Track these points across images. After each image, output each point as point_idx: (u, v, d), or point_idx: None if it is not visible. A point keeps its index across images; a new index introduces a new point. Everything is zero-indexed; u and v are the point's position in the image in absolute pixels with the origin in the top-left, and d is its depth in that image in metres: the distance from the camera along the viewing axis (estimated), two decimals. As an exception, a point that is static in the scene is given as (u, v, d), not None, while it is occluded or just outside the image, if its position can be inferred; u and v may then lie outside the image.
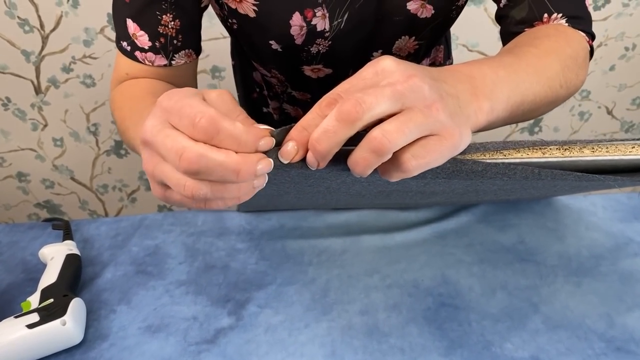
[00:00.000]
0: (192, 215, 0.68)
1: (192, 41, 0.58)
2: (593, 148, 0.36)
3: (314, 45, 0.60)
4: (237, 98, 0.79)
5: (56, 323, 0.48)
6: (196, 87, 0.64)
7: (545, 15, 0.51)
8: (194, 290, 0.57)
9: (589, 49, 0.52)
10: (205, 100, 0.32)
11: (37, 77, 1.39)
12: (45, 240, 0.65)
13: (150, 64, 0.56)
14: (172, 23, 0.55)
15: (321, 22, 0.57)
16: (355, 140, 0.30)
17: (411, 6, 0.57)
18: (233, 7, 0.57)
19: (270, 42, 0.59)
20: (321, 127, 0.30)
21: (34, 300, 0.51)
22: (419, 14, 0.58)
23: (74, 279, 0.56)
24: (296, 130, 0.31)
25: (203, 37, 0.62)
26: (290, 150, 0.31)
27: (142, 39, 0.55)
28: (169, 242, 0.64)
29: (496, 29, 0.57)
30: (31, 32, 1.31)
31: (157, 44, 0.55)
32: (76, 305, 0.50)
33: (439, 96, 0.31)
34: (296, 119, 0.79)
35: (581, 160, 0.37)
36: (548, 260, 0.59)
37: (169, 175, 0.31)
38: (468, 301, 0.54)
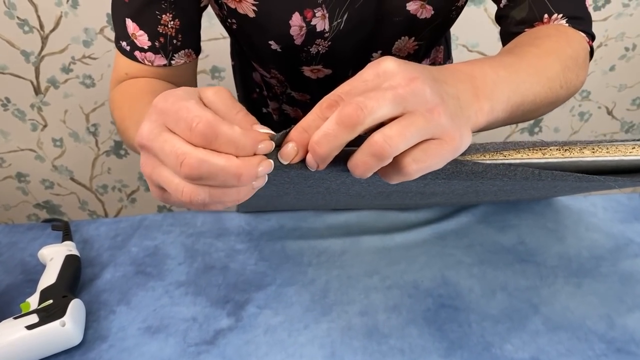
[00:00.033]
0: (191, 216, 0.68)
1: (191, 41, 0.58)
2: (593, 149, 0.36)
3: (314, 45, 0.60)
4: (236, 98, 0.78)
5: (55, 324, 0.47)
6: (195, 87, 0.64)
7: (546, 15, 0.51)
8: (193, 291, 0.57)
9: (589, 49, 0.52)
10: (202, 99, 0.32)
11: (37, 77, 1.39)
12: (45, 241, 0.65)
13: (150, 63, 0.56)
14: (172, 23, 0.54)
15: (321, 22, 0.57)
16: (355, 141, 0.30)
17: (411, 7, 0.57)
18: (232, 6, 0.57)
19: (270, 42, 0.59)
20: (322, 130, 0.30)
21: (33, 301, 0.51)
22: (418, 15, 0.58)
23: (74, 279, 0.56)
24: (296, 132, 0.31)
25: (203, 37, 0.62)
26: (290, 152, 0.31)
27: (142, 38, 0.55)
28: (169, 242, 0.64)
29: (496, 29, 0.57)
30: (31, 33, 1.31)
31: (156, 43, 0.55)
32: (75, 306, 0.50)
33: (440, 99, 0.30)
34: (295, 120, 0.79)
35: (582, 161, 0.37)
36: (548, 261, 0.59)
37: (167, 179, 0.31)
38: (468, 302, 0.54)
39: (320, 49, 0.60)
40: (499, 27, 0.57)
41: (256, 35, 0.60)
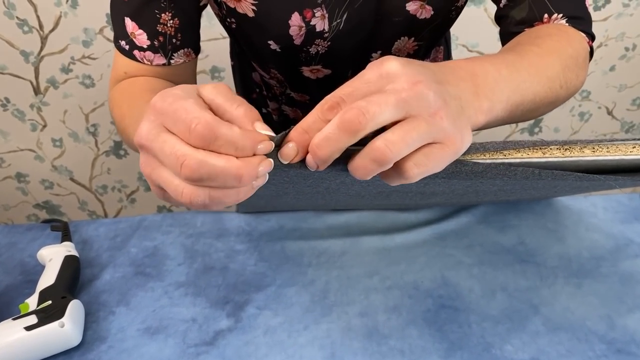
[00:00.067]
0: (191, 217, 0.68)
1: (191, 40, 0.58)
2: (594, 148, 0.36)
3: (313, 45, 0.59)
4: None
5: (54, 325, 0.47)
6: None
7: (546, 15, 0.51)
8: (192, 292, 0.57)
9: (589, 49, 0.52)
10: (202, 95, 0.32)
11: (36, 77, 1.39)
12: (44, 242, 0.65)
13: (149, 63, 0.56)
14: (171, 22, 0.54)
15: (320, 22, 0.57)
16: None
17: (410, 7, 0.57)
18: (232, 6, 0.56)
19: (269, 42, 0.59)
20: (323, 133, 0.30)
21: (32, 302, 0.51)
22: (418, 15, 0.58)
23: (73, 280, 0.55)
24: (297, 132, 0.31)
25: (202, 37, 0.61)
26: (290, 152, 0.31)
27: (141, 37, 0.54)
28: (168, 243, 0.64)
29: (496, 29, 0.57)
30: (30, 33, 1.30)
31: (155, 42, 0.55)
32: (74, 307, 0.50)
33: (443, 102, 0.30)
34: (295, 121, 0.79)
35: (582, 161, 0.36)
36: (548, 262, 0.59)
37: (167, 180, 0.31)
38: (468, 303, 0.54)
39: (319, 49, 0.60)
40: (499, 27, 0.57)
41: (255, 35, 0.60)
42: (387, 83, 0.30)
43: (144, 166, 0.32)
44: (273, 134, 0.31)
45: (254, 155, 0.30)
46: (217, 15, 0.63)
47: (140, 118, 0.32)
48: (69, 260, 0.56)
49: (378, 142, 0.29)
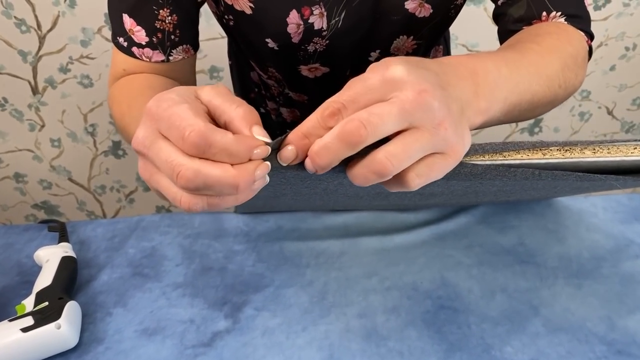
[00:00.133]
0: (189, 217, 0.68)
1: (189, 36, 0.58)
2: (594, 149, 0.36)
3: (311, 43, 0.59)
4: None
5: (51, 327, 0.47)
6: (194, 82, 0.63)
7: (544, 13, 0.51)
8: (190, 293, 0.56)
9: (588, 48, 0.52)
10: (200, 97, 0.31)
11: (34, 77, 1.39)
12: (41, 242, 0.64)
13: (148, 59, 0.56)
14: (169, 18, 0.54)
15: (318, 20, 0.56)
16: None
17: (409, 5, 0.56)
18: (229, 3, 0.56)
19: (267, 40, 0.59)
20: (322, 141, 0.29)
21: (28, 303, 0.51)
22: (417, 13, 0.58)
23: (70, 281, 0.55)
24: (297, 136, 0.30)
25: (201, 37, 0.61)
26: (289, 155, 0.30)
27: (139, 34, 0.54)
28: (166, 243, 0.64)
29: (496, 29, 0.57)
30: (28, 32, 1.30)
31: (154, 39, 0.54)
32: (71, 309, 0.50)
33: (447, 111, 0.29)
34: (292, 124, 0.79)
35: (582, 162, 0.36)
36: (548, 262, 0.59)
37: (165, 187, 0.31)
38: (467, 304, 0.54)
39: (317, 48, 0.60)
40: (497, 26, 0.57)
41: (253, 33, 0.59)
42: (391, 90, 0.29)
43: (143, 171, 0.32)
44: (269, 140, 0.30)
45: (251, 160, 0.30)
46: (215, 13, 0.63)
47: (140, 116, 0.31)
48: (66, 261, 0.56)
49: (379, 154, 0.28)
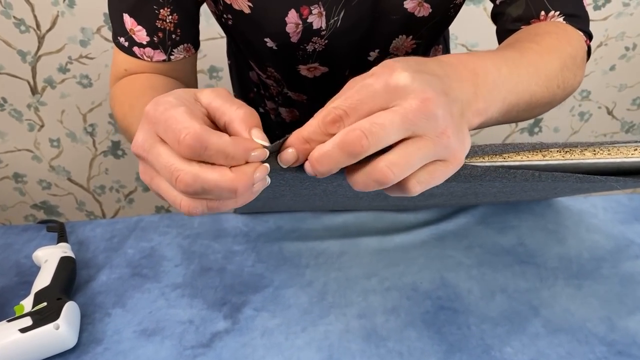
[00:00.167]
0: (188, 217, 0.68)
1: (190, 35, 0.58)
2: (594, 151, 0.36)
3: (310, 43, 0.59)
4: (234, 98, 0.78)
5: (49, 327, 0.47)
6: (195, 81, 0.64)
7: (543, 12, 0.51)
8: (189, 293, 0.56)
9: (587, 48, 0.51)
10: (200, 100, 0.31)
11: (34, 77, 1.39)
12: (40, 243, 0.64)
13: (149, 59, 0.56)
14: (170, 17, 0.54)
15: (317, 20, 0.56)
16: None
17: (408, 4, 0.56)
18: (228, 2, 0.56)
19: (266, 39, 0.59)
20: (323, 149, 0.29)
21: (27, 303, 0.51)
22: (416, 13, 0.57)
23: (68, 282, 0.55)
24: (297, 140, 0.30)
25: (200, 37, 0.61)
26: (289, 158, 0.30)
27: (140, 34, 0.54)
28: (165, 244, 0.64)
29: (495, 28, 0.57)
30: (27, 32, 1.30)
31: (155, 38, 0.54)
32: (70, 309, 0.49)
33: (450, 118, 0.29)
34: (291, 124, 0.78)
35: (583, 163, 0.36)
36: (548, 263, 0.59)
37: (165, 190, 0.31)
38: (467, 304, 0.53)
39: (316, 47, 0.60)
40: (495, 25, 0.56)
41: (252, 33, 0.59)
42: (395, 98, 0.28)
43: (143, 175, 0.32)
44: (268, 144, 0.30)
45: (248, 162, 0.29)
46: (214, 12, 0.62)
47: (142, 117, 0.31)
48: (64, 262, 0.56)
49: (380, 163, 0.28)
